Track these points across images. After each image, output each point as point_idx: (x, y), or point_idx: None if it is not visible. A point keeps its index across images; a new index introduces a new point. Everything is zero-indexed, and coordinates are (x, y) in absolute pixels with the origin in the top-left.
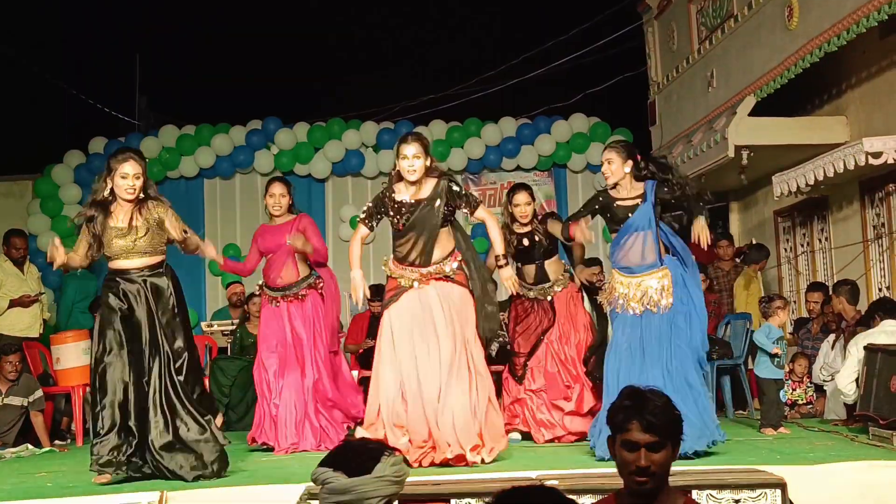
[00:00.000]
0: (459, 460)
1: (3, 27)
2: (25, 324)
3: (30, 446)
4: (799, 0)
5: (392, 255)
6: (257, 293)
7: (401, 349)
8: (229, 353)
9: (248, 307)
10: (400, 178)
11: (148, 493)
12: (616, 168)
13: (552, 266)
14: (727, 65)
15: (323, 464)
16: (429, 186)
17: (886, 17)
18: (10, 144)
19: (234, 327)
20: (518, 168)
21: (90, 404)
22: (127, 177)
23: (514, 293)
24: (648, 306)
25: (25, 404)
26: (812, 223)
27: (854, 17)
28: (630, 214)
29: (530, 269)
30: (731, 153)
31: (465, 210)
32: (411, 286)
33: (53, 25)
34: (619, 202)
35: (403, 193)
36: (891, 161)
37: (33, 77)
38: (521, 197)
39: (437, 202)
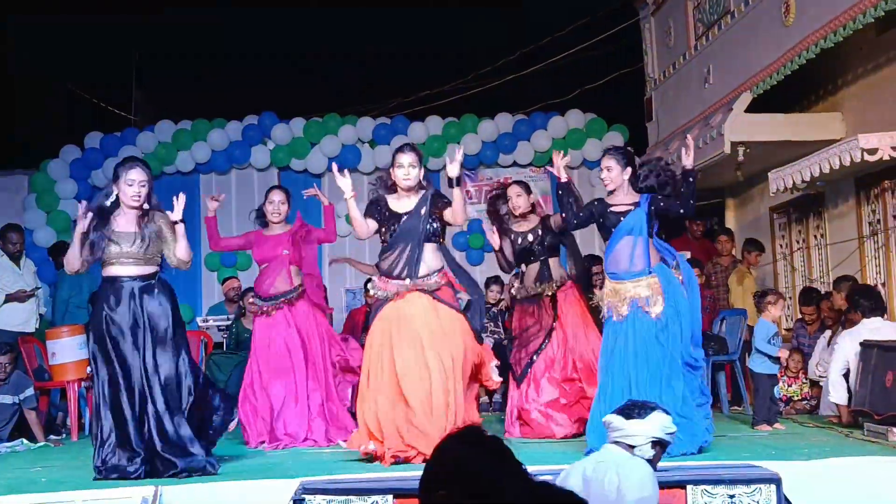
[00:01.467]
0: None
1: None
2: (21, 319)
3: (25, 441)
4: None
5: (380, 274)
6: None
7: (385, 361)
8: (225, 349)
9: (245, 302)
10: (392, 189)
11: (142, 488)
12: (615, 175)
13: (555, 264)
14: (724, 61)
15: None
16: (416, 198)
17: (883, 14)
18: (5, 139)
19: (230, 322)
20: (514, 164)
21: (94, 411)
22: (133, 183)
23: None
24: (635, 311)
25: (17, 402)
26: (808, 219)
27: (851, 13)
28: (622, 218)
29: (533, 269)
30: (728, 149)
31: (446, 212)
32: (393, 298)
33: (49, 19)
34: (612, 208)
35: (394, 204)
36: (886, 157)
37: (29, 72)
38: (512, 189)
39: (423, 209)
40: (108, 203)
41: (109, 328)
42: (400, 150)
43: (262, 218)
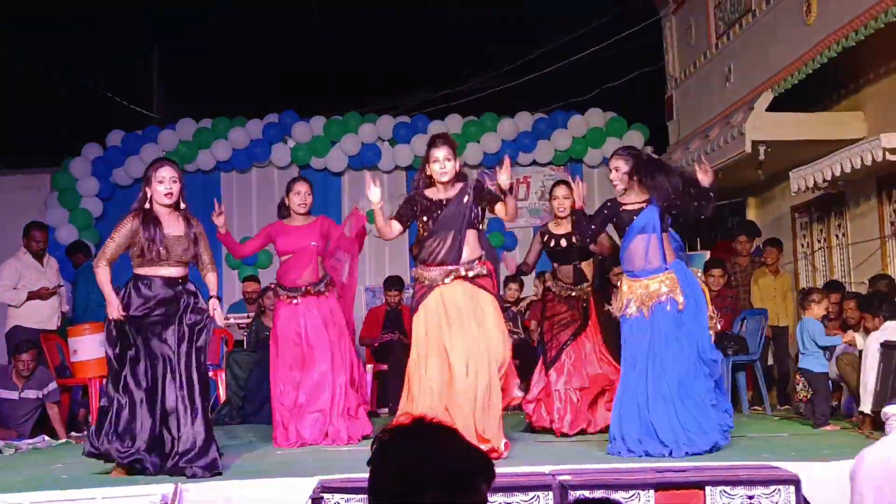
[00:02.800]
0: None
1: (22, 21)
2: (44, 316)
3: (46, 438)
4: None
5: (419, 261)
6: (271, 288)
7: (434, 345)
8: (245, 346)
9: (263, 301)
10: (429, 182)
11: (162, 485)
12: (622, 175)
13: (588, 267)
14: (745, 60)
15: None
16: (457, 187)
17: None
18: (28, 138)
19: (250, 320)
20: (534, 163)
21: (105, 396)
22: (164, 180)
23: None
24: (655, 306)
25: (40, 396)
26: (829, 219)
27: (872, 11)
28: (634, 217)
29: (568, 270)
30: (748, 148)
31: (497, 207)
32: (440, 283)
33: (71, 18)
34: (624, 207)
35: (433, 193)
36: None
37: (52, 70)
38: (559, 190)
39: (466, 198)
40: (144, 206)
41: (146, 323)
42: (433, 143)
43: (284, 210)
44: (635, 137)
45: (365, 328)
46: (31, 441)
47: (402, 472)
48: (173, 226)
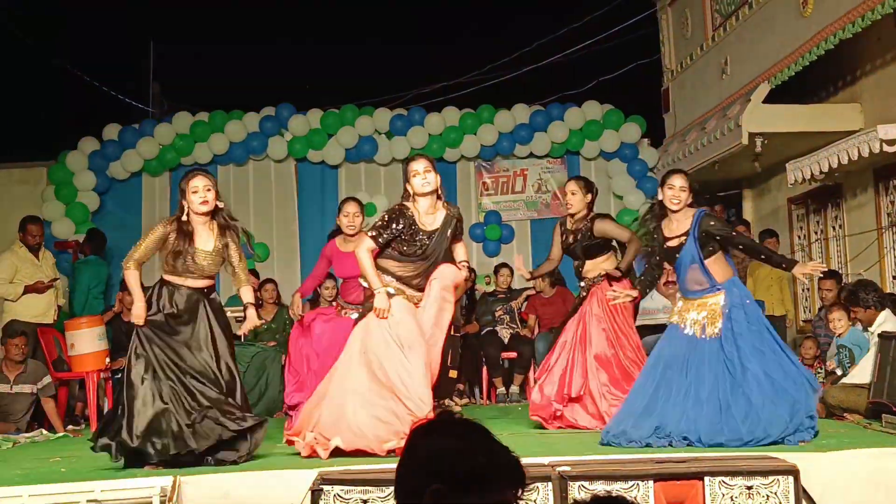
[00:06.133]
0: None
1: (19, 14)
2: (40, 310)
3: (44, 431)
4: None
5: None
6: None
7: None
8: (243, 339)
9: (261, 293)
10: (409, 199)
11: (161, 478)
12: (685, 196)
13: (592, 265)
14: (741, 52)
15: None
16: (440, 213)
17: None
18: (24, 131)
19: None
20: (531, 155)
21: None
22: (197, 189)
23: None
24: (698, 329)
25: (35, 391)
26: (826, 211)
27: (869, 3)
28: (676, 255)
29: (576, 266)
30: (745, 140)
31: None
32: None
33: (68, 12)
34: (667, 243)
35: (422, 219)
36: None
37: (48, 64)
38: (568, 186)
39: (448, 232)
40: (184, 218)
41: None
42: (411, 159)
43: (337, 230)
44: (632, 130)
45: None
46: (28, 435)
47: (414, 466)
48: (206, 239)
